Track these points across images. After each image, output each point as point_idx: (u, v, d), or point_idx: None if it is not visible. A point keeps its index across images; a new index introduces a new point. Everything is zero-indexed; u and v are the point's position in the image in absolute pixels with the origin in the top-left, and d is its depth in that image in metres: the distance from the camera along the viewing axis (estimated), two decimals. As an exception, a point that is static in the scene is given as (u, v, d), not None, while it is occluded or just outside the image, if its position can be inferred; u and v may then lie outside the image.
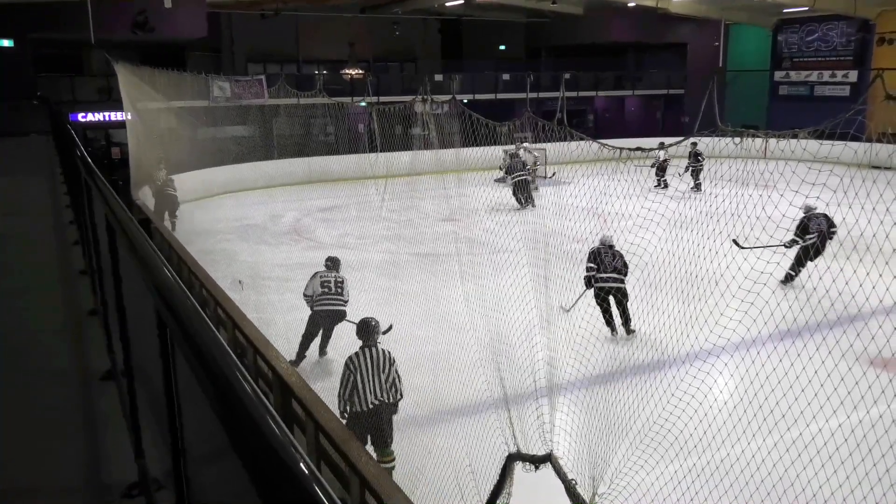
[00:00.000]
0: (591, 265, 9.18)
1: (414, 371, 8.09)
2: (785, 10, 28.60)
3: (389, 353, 6.18)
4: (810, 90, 29.97)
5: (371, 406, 5.85)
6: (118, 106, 17.44)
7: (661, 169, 20.18)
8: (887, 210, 5.43)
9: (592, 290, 9.10)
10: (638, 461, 5.36)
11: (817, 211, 9.38)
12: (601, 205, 7.82)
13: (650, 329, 8.30)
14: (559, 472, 5.11)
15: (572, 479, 5.11)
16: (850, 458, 5.08)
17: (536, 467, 5.18)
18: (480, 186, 18.30)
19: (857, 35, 28.19)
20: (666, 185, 19.73)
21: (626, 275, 9.09)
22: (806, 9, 26.77)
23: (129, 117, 17.10)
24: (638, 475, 5.29)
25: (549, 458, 5.18)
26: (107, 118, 22.43)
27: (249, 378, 1.09)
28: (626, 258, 9.09)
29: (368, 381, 5.88)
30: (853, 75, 28.38)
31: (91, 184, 3.15)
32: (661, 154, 19.86)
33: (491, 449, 5.46)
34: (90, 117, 22.85)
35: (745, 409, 5.88)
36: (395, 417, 6.32)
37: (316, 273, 8.89)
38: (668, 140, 18.77)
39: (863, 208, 6.16)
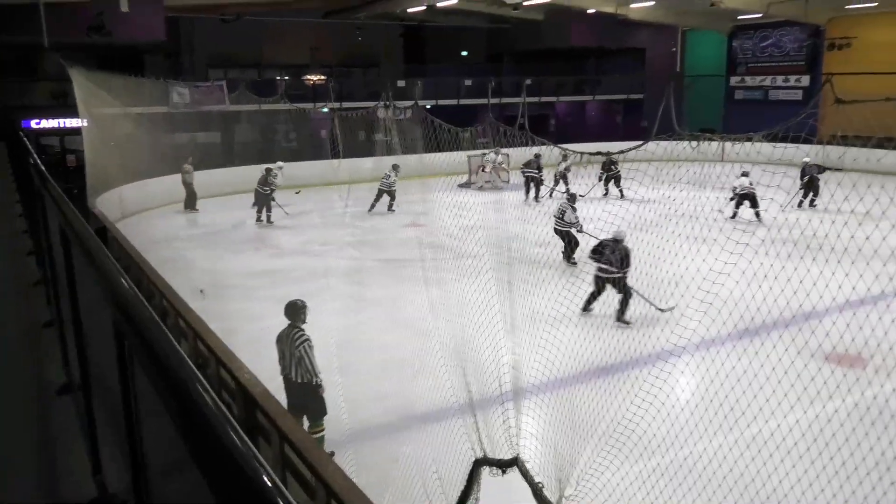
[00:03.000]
0: (594, 255, 9.75)
1: (380, 378, 8.07)
2: (739, 17, 29.20)
3: (302, 335, 6.35)
4: (765, 94, 30.64)
5: (283, 375, 6.44)
6: (74, 112, 17.08)
7: (562, 178, 20.23)
8: (838, 209, 5.57)
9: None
10: (603, 462, 5.41)
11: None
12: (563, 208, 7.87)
13: (614, 330, 8.40)
14: (526, 475, 5.12)
15: (539, 482, 5.14)
16: (807, 452, 5.20)
17: (503, 471, 5.19)
18: (444, 191, 18.34)
19: (809, 41, 28.92)
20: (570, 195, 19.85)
21: (622, 268, 9.38)
22: (759, 15, 27.38)
23: (85, 123, 16.77)
24: (604, 476, 5.34)
25: (515, 461, 5.20)
26: (62, 124, 21.93)
27: (210, 389, 1.08)
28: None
29: (282, 355, 6.46)
30: (805, 80, 29.10)
31: (45, 192, 3.08)
32: (562, 164, 19.92)
33: (458, 454, 5.46)
34: (44, 123, 22.33)
35: (706, 407, 5.98)
36: (354, 420, 6.29)
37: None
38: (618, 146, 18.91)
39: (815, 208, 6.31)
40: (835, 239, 6.22)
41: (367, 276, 12.24)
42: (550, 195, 19.49)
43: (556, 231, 12.84)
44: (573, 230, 12.63)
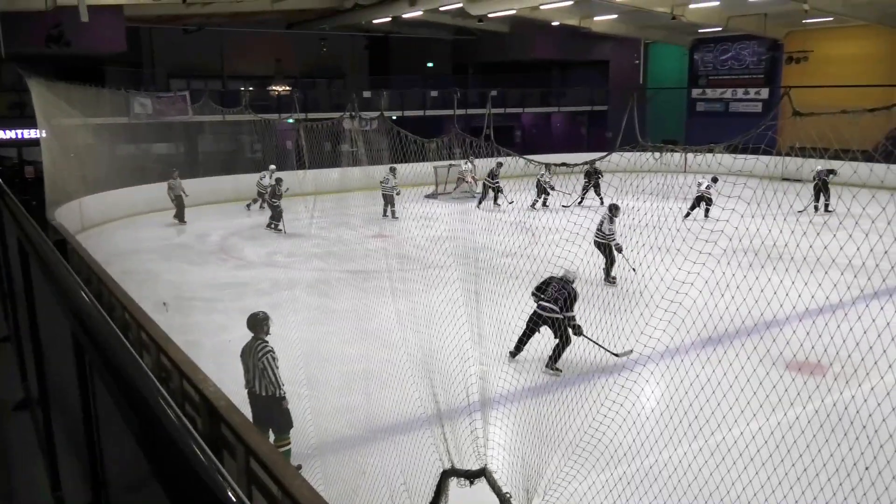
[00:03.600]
0: (536, 292, 8.81)
1: (346, 390, 8.02)
2: (700, 30, 29.80)
3: (265, 347, 6.30)
4: (725, 106, 31.28)
5: (248, 388, 6.38)
6: (32, 123, 16.75)
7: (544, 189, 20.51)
8: (797, 220, 5.70)
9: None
10: (570, 471, 5.44)
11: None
12: (529, 219, 7.94)
13: (580, 340, 8.45)
14: (494, 485, 5.13)
15: (507, 493, 5.14)
16: (769, 459, 5.28)
17: (471, 482, 5.18)
18: (410, 202, 18.35)
19: (768, 54, 29.63)
20: (545, 204, 20.18)
21: (564, 311, 8.49)
22: (720, 29, 27.98)
23: (44, 134, 16.45)
24: (571, 485, 5.36)
25: (483, 472, 5.20)
26: (19, 135, 21.48)
27: (173, 403, 1.07)
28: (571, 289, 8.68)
29: (246, 368, 6.40)
30: (764, 92, 29.79)
31: (2, 205, 3.01)
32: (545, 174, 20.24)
33: (425, 466, 5.45)
34: (1, 134, 21.86)
35: (671, 415, 6.04)
36: (321, 433, 6.23)
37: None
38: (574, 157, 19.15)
39: (774, 219, 6.45)
40: (794, 248, 6.35)
41: (333, 288, 12.17)
42: (545, 204, 20.08)
43: (595, 244, 11.84)
44: (612, 243, 11.81)
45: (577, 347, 8.35)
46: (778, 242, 6.56)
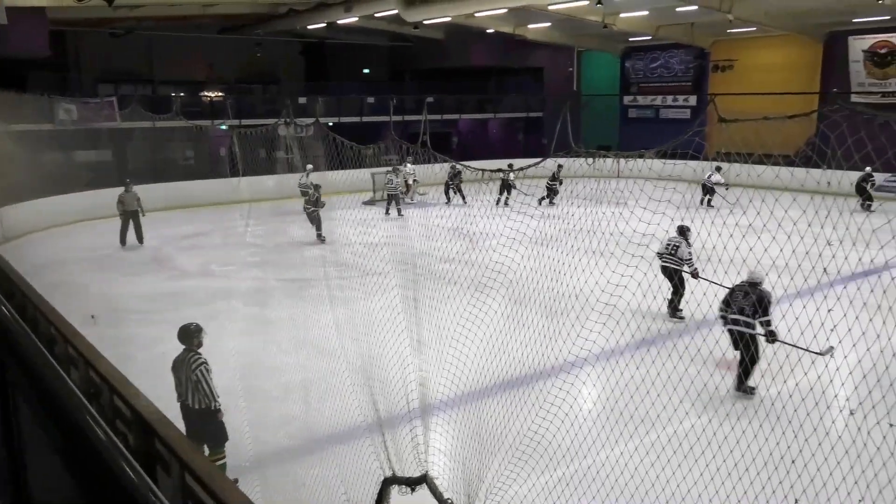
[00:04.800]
0: (723, 306, 8.00)
1: (284, 401, 7.90)
2: (631, 39, 30.55)
3: (198, 359, 6.21)
4: (656, 113, 32.14)
5: (180, 402, 6.24)
6: (-52, 130, 15.99)
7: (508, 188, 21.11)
8: (724, 222, 5.90)
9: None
10: (511, 474, 5.48)
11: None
12: (466, 225, 7.99)
13: (516, 344, 8.54)
14: (435, 492, 5.13)
15: (448, 499, 5.15)
16: (702, 455, 5.44)
17: (412, 489, 5.17)
18: (348, 209, 18.22)
19: (695, 62, 30.58)
20: (507, 204, 20.68)
21: (754, 314, 7.74)
22: (649, 37, 28.76)
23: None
24: (511, 488, 5.41)
25: (424, 478, 5.19)
26: (-66, 143, 20.48)
27: (102, 421, 1.04)
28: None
29: (179, 381, 6.26)
30: (693, 99, 30.72)
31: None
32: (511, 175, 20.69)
33: (366, 474, 5.41)
34: (-87, 142, 20.79)
35: (607, 416, 6.17)
36: (259, 445, 6.13)
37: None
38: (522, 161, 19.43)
39: (703, 222, 6.66)
40: (721, 251, 6.57)
41: (270, 297, 11.98)
42: (506, 203, 20.40)
43: (663, 269, 10.19)
44: (685, 269, 10.10)
45: (518, 353, 8.44)
46: (706, 244, 6.77)
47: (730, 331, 7.86)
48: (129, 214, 16.53)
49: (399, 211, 19.83)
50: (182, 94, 29.15)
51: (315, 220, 16.69)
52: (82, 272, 14.08)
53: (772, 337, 7.63)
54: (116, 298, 12.09)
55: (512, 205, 20.08)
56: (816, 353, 6.84)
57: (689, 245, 10.23)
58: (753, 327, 7.73)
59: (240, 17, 26.97)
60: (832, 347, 6.50)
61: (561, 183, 21.02)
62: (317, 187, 16.85)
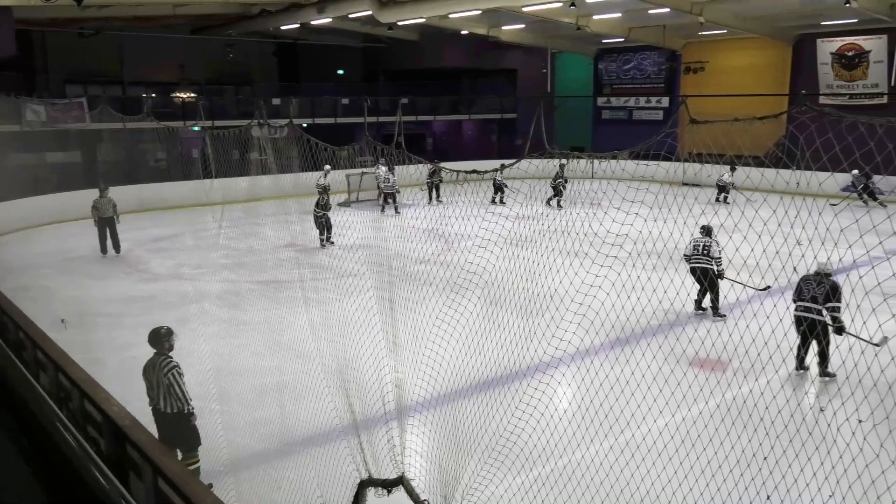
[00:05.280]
0: (795, 297, 8.45)
1: (259, 404, 7.84)
2: (604, 41, 30.78)
3: (170, 363, 6.16)
4: (629, 114, 32.41)
5: (152, 406, 6.20)
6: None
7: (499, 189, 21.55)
8: (696, 223, 5.96)
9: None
10: (487, 475, 5.49)
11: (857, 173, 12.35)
12: (441, 226, 7.98)
13: (492, 345, 8.55)
14: (411, 493, 5.11)
15: (425, 500, 5.14)
16: (676, 454, 5.49)
17: (389, 491, 5.15)
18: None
19: (667, 64, 30.90)
20: (503, 202, 21.06)
21: (825, 303, 8.15)
22: (621, 39, 28.99)
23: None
24: (488, 489, 5.42)
25: (400, 480, 5.17)
26: None
27: (73, 427, 1.02)
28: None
29: (150, 385, 6.21)
30: (665, 101, 31.04)
31: None
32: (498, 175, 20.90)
33: (342, 477, 5.39)
34: None
35: (583, 415, 6.19)
36: (233, 449, 6.07)
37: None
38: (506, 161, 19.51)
39: (675, 222, 6.73)
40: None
41: (243, 299, 11.89)
42: (502, 201, 21.04)
43: (692, 271, 10.23)
44: (716, 268, 10.16)
45: (494, 354, 8.46)
46: (679, 245, 6.84)
47: (802, 318, 8.25)
48: (105, 221, 15.79)
49: (396, 209, 20.59)
50: (153, 95, 28.82)
51: (324, 224, 16.56)
52: (51, 275, 13.86)
53: (839, 324, 8.04)
54: (86, 302, 11.92)
55: (507, 202, 20.56)
56: (874, 343, 6.89)
57: (718, 244, 10.26)
58: (823, 315, 8.16)
59: (211, 17, 26.71)
60: (887, 338, 6.68)
61: (566, 181, 21.42)
62: (325, 189, 16.99)
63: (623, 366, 6.87)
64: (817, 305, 8.17)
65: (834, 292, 8.13)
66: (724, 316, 10.34)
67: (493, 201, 21.34)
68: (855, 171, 20.36)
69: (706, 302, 10.41)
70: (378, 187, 21.44)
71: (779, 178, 5.87)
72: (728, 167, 21.59)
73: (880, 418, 5.17)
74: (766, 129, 11.03)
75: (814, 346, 8.36)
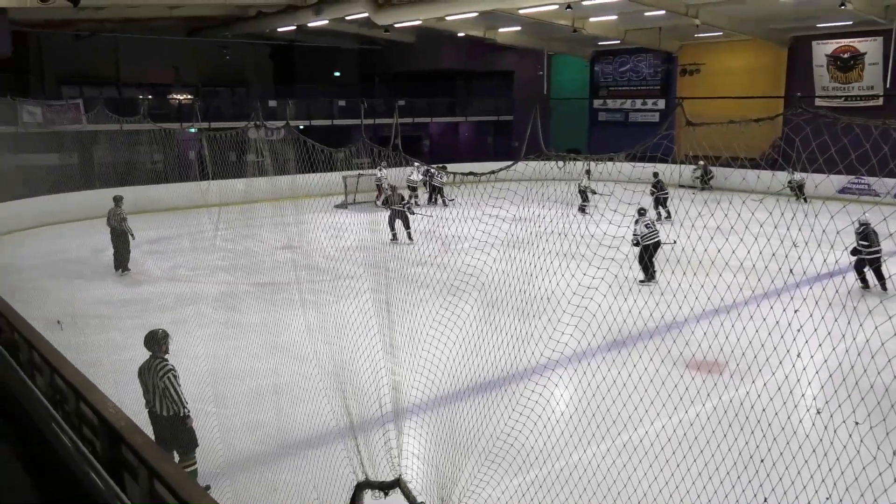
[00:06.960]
0: (864, 242, 11.47)
1: (256, 406, 7.82)
2: (600, 43, 30.82)
3: (165, 365, 6.13)
4: (625, 116, 32.44)
5: (148, 409, 6.18)
6: None
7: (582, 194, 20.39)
8: (693, 225, 5.97)
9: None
10: (484, 477, 5.48)
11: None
12: (439, 228, 7.97)
13: (489, 347, 8.54)
14: (408, 495, 5.10)
15: (422, 502, 5.13)
16: (673, 456, 5.49)
17: (386, 493, 5.14)
18: (319, 213, 18.08)
19: (663, 66, 30.95)
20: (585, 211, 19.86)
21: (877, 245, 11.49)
22: (618, 42, 29.04)
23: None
24: (485, 491, 5.41)
25: (398, 482, 5.16)
26: None
27: (69, 428, 1.01)
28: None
29: (146, 388, 6.18)
30: (661, 103, 31.09)
31: None
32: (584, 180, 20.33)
33: (339, 479, 5.37)
34: None
35: (580, 417, 6.19)
36: (230, 451, 6.06)
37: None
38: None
39: (672, 224, 6.71)
40: (690, 252, 6.64)
41: (240, 301, 11.86)
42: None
43: (654, 246, 11.19)
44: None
45: (491, 355, 8.46)
46: (675, 246, 6.84)
47: (869, 261, 11.60)
48: (115, 235, 14.44)
49: (444, 201, 21.91)
50: (149, 96, 28.77)
51: (405, 219, 16.94)
52: (47, 277, 13.82)
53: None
54: (82, 303, 11.89)
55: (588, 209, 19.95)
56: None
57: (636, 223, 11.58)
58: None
59: (207, 19, 26.70)
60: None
61: (593, 191, 19.43)
62: (393, 189, 17.45)
63: (620, 368, 6.86)
64: (875, 247, 11.47)
65: (877, 235, 11.41)
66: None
67: (582, 210, 19.02)
68: (790, 170, 20.42)
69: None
70: (407, 187, 21.23)
71: (774, 180, 5.87)
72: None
73: (877, 420, 5.16)
74: (762, 132, 11.06)
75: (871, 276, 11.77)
